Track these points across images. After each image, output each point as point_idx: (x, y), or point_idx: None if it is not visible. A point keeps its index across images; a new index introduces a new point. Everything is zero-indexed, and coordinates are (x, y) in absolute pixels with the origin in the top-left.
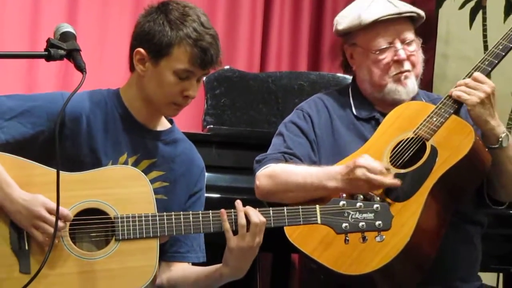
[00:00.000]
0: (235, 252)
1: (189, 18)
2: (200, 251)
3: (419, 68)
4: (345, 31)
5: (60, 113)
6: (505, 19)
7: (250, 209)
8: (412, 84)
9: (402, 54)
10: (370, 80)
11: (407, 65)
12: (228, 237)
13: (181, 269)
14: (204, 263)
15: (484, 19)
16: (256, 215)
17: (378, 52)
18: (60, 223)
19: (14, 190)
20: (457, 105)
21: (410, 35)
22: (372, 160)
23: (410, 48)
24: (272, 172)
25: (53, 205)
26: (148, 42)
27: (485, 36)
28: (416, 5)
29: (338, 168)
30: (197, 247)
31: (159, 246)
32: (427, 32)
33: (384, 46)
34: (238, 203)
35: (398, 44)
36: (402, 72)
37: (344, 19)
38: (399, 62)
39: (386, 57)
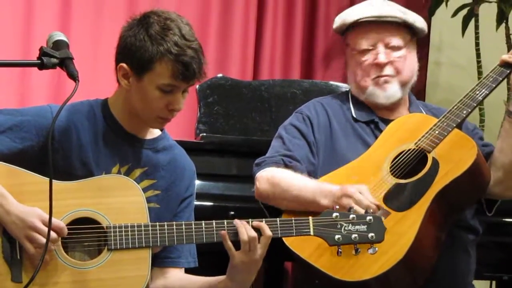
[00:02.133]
0: (240, 267)
1: (170, 32)
2: (190, 256)
3: (406, 75)
4: (336, 30)
5: (53, 121)
6: (497, 27)
7: (246, 224)
8: (392, 89)
9: (381, 58)
10: (354, 81)
11: (388, 70)
12: (231, 255)
13: (180, 278)
14: (197, 270)
15: (477, 27)
16: (251, 230)
17: (360, 53)
18: (54, 235)
19: (9, 202)
20: (463, 117)
21: (395, 41)
22: (365, 191)
23: (395, 53)
24: (272, 178)
25: (47, 216)
26: (131, 58)
27: (477, 44)
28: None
29: (332, 188)
30: (187, 253)
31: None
32: (420, 39)
33: (365, 48)
34: (237, 221)
35: (380, 48)
36: (381, 76)
37: (337, 19)
38: (379, 66)
39: (368, 59)
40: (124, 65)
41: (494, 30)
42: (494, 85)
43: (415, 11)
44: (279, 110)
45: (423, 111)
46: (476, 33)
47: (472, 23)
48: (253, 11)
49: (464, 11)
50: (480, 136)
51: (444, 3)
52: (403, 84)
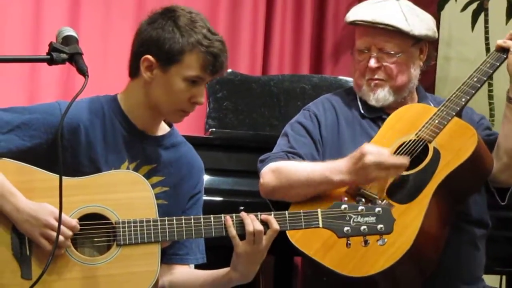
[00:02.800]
0: (243, 257)
1: (198, 24)
2: (199, 253)
3: (400, 80)
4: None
5: (62, 118)
6: (507, 21)
7: (253, 216)
8: (382, 94)
9: (371, 62)
10: (353, 77)
11: (379, 74)
12: (235, 243)
13: (185, 273)
14: (205, 265)
15: (486, 22)
16: (257, 223)
17: (358, 52)
18: (68, 231)
19: (20, 200)
20: (462, 105)
21: (389, 46)
22: (376, 146)
23: (389, 59)
24: (276, 169)
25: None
26: (158, 49)
27: (487, 38)
28: (418, 7)
29: (343, 161)
30: (196, 249)
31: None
32: None
33: (361, 49)
34: (243, 213)
35: (373, 52)
36: (372, 80)
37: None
38: (370, 69)
39: (363, 60)
40: (149, 57)
41: (503, 24)
42: (491, 71)
43: (424, 6)
44: (288, 105)
45: (432, 104)
46: (486, 27)
47: (481, 18)
48: (262, 6)
49: (474, 6)
50: (486, 126)
51: None
52: (396, 89)
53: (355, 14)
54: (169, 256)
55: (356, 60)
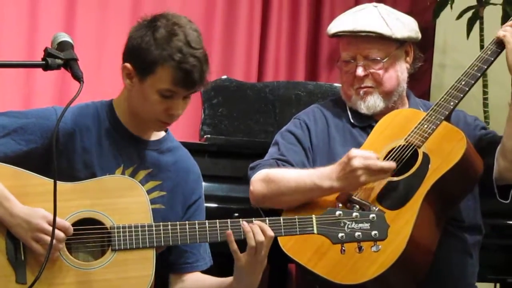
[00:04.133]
0: (245, 269)
1: (175, 38)
2: (207, 256)
3: (389, 86)
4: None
5: (57, 122)
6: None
7: (256, 228)
8: (373, 100)
9: (359, 71)
10: (342, 88)
11: (367, 82)
12: (236, 257)
13: (195, 280)
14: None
15: (481, 29)
16: (261, 235)
17: (344, 63)
18: (61, 234)
19: (13, 204)
20: (451, 109)
21: (374, 53)
22: (364, 150)
23: (375, 65)
24: (265, 176)
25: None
26: (135, 58)
27: (482, 46)
28: (413, 15)
29: (331, 167)
30: (204, 254)
31: (165, 257)
32: (424, 42)
33: (347, 59)
34: (244, 224)
35: (358, 61)
36: (361, 88)
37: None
38: (358, 78)
39: (350, 69)
40: (128, 65)
41: None
42: (479, 74)
43: (419, 14)
44: (283, 112)
45: (421, 109)
46: (481, 35)
47: (477, 26)
48: (257, 13)
49: (469, 14)
50: (481, 126)
51: (448, 5)
52: (385, 94)
53: (336, 26)
54: (180, 266)
55: (343, 71)
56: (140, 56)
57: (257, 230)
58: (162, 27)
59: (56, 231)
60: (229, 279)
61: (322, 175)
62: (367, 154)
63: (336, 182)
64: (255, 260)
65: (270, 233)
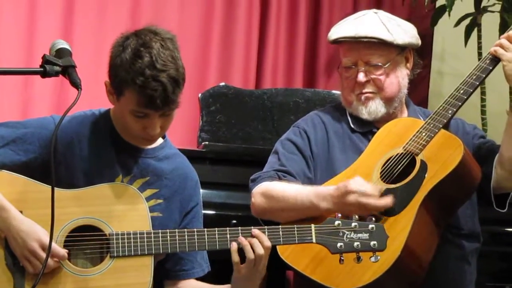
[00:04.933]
0: (244, 278)
1: (138, 61)
2: (204, 263)
3: (390, 91)
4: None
5: (56, 128)
6: (500, 37)
7: (255, 241)
8: (374, 106)
9: (360, 77)
10: (342, 94)
11: (369, 88)
12: (236, 268)
13: (190, 286)
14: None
15: (479, 37)
16: (260, 247)
17: (344, 69)
18: (52, 262)
19: (12, 215)
20: (449, 118)
21: (375, 59)
22: (363, 183)
23: (376, 71)
24: (265, 191)
25: (47, 241)
26: (110, 77)
27: (480, 53)
28: (411, 22)
29: (329, 190)
30: (201, 260)
31: (161, 264)
32: (422, 49)
33: (348, 65)
34: (242, 239)
35: (360, 66)
36: (362, 94)
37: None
38: (360, 84)
39: (351, 75)
40: (107, 82)
41: (496, 40)
42: (477, 83)
43: (417, 21)
44: (281, 118)
45: (420, 117)
46: (479, 42)
47: (474, 33)
48: (255, 20)
49: (467, 21)
50: (480, 135)
51: (446, 13)
52: (387, 100)
53: (337, 32)
54: (176, 273)
55: (343, 77)
56: (112, 76)
57: (256, 243)
58: (130, 48)
59: (49, 260)
60: (225, 286)
61: (319, 196)
62: (365, 191)
63: (332, 205)
64: (255, 271)
65: (268, 243)
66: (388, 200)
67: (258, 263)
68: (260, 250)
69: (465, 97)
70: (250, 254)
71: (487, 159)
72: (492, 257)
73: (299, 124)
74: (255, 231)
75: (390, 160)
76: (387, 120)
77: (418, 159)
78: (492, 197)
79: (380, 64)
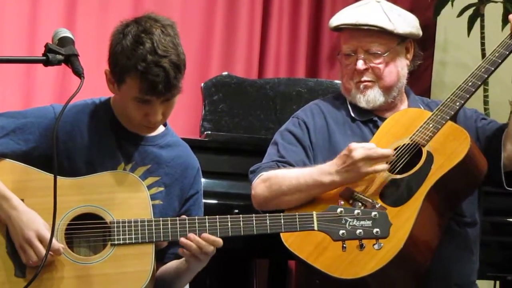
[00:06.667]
0: (194, 264)
1: (140, 47)
2: None
3: (389, 80)
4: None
5: (57, 119)
6: (503, 27)
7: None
8: (373, 94)
9: (359, 65)
10: (341, 82)
11: (367, 76)
12: (187, 260)
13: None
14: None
15: (482, 27)
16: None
17: (344, 57)
18: (48, 255)
19: (13, 205)
20: (456, 110)
21: (375, 47)
22: (362, 143)
23: (375, 59)
24: (266, 179)
25: (45, 234)
26: (111, 65)
27: (483, 43)
28: (414, 13)
29: (331, 162)
30: None
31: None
32: (425, 39)
33: (347, 53)
34: (189, 236)
35: (359, 54)
36: (361, 82)
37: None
38: (358, 71)
39: (351, 63)
40: (107, 70)
41: (499, 30)
42: (486, 76)
43: (420, 11)
44: (284, 108)
45: (421, 107)
46: (482, 33)
47: (477, 23)
48: (258, 9)
49: (470, 11)
50: (482, 117)
51: (449, 3)
52: (385, 89)
53: (338, 19)
54: (168, 255)
55: (343, 65)
56: (113, 64)
57: (203, 243)
58: (130, 34)
59: (42, 249)
60: (181, 262)
61: (322, 171)
62: (366, 145)
63: (336, 176)
64: (203, 260)
65: (219, 243)
66: (390, 150)
67: (209, 256)
68: (210, 248)
69: (473, 89)
70: (197, 251)
71: (494, 137)
72: (494, 247)
73: (298, 114)
74: (205, 235)
75: (396, 151)
76: (386, 109)
77: (424, 150)
78: (503, 175)
79: (379, 52)
